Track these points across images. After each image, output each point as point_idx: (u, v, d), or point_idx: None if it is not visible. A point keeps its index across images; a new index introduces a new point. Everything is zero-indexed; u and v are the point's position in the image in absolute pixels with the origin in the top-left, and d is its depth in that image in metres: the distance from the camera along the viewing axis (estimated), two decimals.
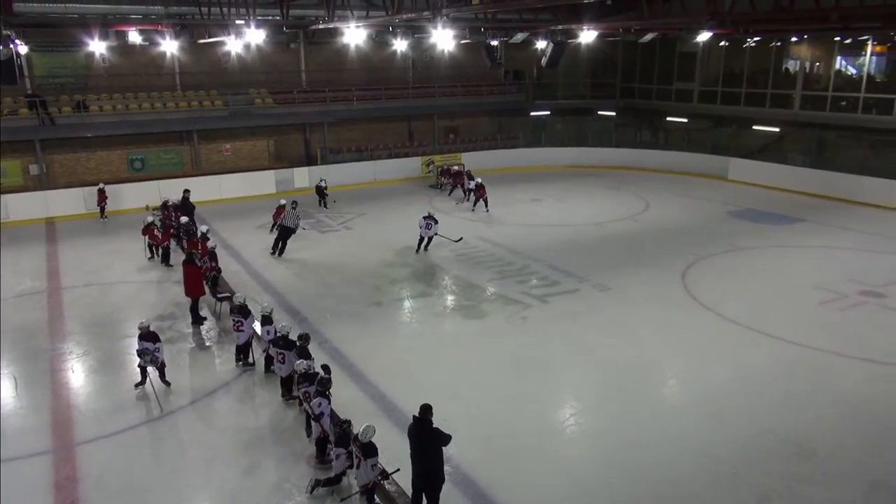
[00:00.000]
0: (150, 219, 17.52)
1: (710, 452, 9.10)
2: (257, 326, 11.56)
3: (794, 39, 25.43)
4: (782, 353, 12.05)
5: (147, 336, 10.72)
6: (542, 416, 10.21)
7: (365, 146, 28.55)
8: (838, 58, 25.23)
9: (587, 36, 22.24)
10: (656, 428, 9.74)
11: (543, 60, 22.37)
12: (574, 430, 9.90)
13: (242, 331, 11.41)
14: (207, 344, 12.81)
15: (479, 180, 22.90)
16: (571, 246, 18.69)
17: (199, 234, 15.90)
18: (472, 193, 23.13)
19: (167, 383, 10.92)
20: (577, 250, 18.25)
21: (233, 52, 23.38)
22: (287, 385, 10.43)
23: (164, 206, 19.08)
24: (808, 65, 26.02)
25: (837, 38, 24.30)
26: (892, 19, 19.30)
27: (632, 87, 32.06)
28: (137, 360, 10.77)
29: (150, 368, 10.78)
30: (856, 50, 24.58)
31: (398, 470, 7.84)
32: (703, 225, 20.87)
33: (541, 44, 23.33)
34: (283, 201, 19.37)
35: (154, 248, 17.66)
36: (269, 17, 22.16)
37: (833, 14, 15.51)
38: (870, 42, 23.63)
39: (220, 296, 13.89)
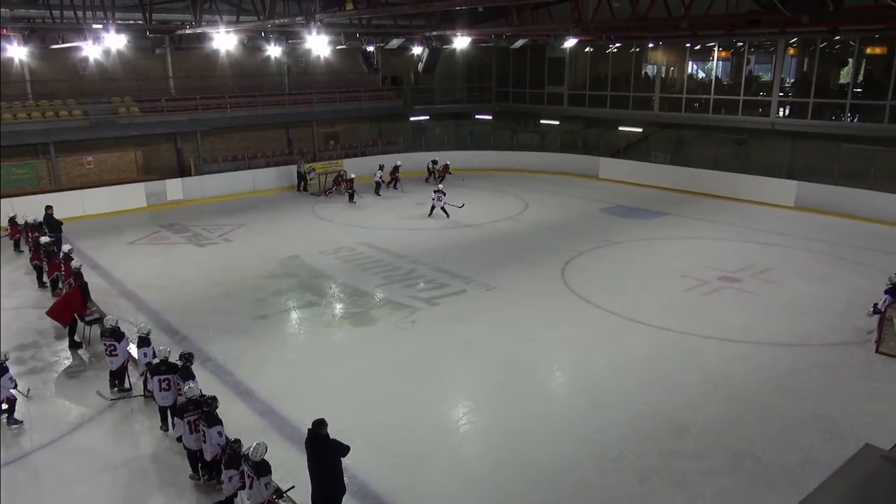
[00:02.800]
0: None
1: (594, 438, 9.59)
2: (133, 349, 10.89)
3: (650, 46, 27.28)
4: (654, 338, 12.90)
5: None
6: (436, 417, 10.34)
7: (242, 155, 27.62)
8: (690, 63, 27.37)
9: (461, 42, 22.81)
10: (542, 418, 10.14)
11: (420, 66, 22.65)
12: (467, 428, 10.11)
13: (116, 355, 10.69)
14: (77, 371, 11.91)
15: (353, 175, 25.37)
16: (456, 248, 19.03)
17: (61, 254, 14.77)
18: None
19: (16, 421, 10.02)
20: (461, 252, 18.62)
21: (91, 59, 21.89)
22: (164, 415, 9.77)
23: (12, 222, 17.66)
24: (664, 69, 28.00)
25: (688, 45, 26.34)
26: (734, 27, 21.23)
27: (506, 91, 33.11)
28: None
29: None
30: (704, 55, 26.76)
31: (293, 487, 7.67)
32: (578, 222, 21.91)
33: (417, 49, 23.62)
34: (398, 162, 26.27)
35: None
36: (131, 22, 20.95)
37: (683, 22, 16.79)
38: (716, 48, 25.80)
39: (88, 319, 12.93)
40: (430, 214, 22.38)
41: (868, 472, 4.93)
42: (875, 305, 12.26)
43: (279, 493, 7.54)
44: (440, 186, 22.97)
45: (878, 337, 12.11)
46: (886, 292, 12.22)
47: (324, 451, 7.44)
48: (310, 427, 7.54)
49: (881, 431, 8.97)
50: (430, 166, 28.57)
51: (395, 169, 27.11)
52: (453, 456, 9.36)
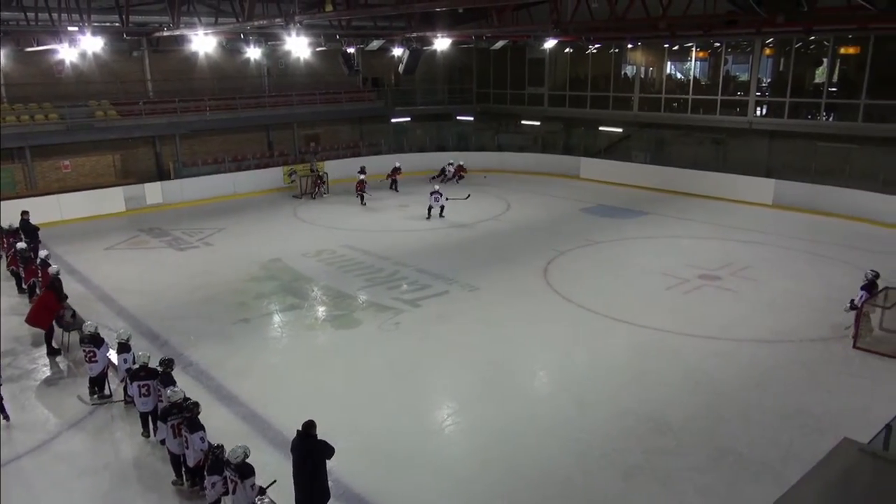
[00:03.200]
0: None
1: (577, 437, 9.63)
2: (113, 356, 10.75)
3: (629, 46, 27.49)
4: (636, 336, 12.99)
5: None
6: (421, 419, 10.33)
7: (222, 158, 27.41)
8: (668, 63, 27.62)
9: (441, 43, 22.83)
10: (526, 418, 10.17)
11: (400, 67, 22.67)
12: (452, 429, 10.11)
13: (96, 361, 10.54)
14: (55, 379, 11.74)
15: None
16: (439, 249, 19.03)
17: (38, 260, 14.55)
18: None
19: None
20: (444, 253, 18.62)
21: (67, 61, 21.62)
22: (145, 421, 9.69)
23: None
24: (643, 70, 28.23)
25: (666, 45, 26.58)
26: (711, 27, 21.45)
27: (487, 92, 33.19)
28: None
29: None
30: (682, 56, 27.03)
31: (275, 481, 7.62)
32: (560, 222, 22.01)
33: (397, 51, 23.63)
34: (397, 164, 26.33)
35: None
36: (108, 24, 20.72)
37: (661, 23, 16.92)
38: (694, 48, 26.06)
39: (65, 322, 12.72)
40: (428, 217, 22.25)
41: (847, 465, 5.02)
42: (852, 301, 12.47)
43: (262, 490, 7.50)
44: (437, 187, 22.82)
45: (855, 332, 12.31)
46: (863, 288, 12.43)
47: (312, 454, 7.40)
48: (299, 429, 7.50)
49: (859, 425, 9.09)
50: (447, 167, 28.49)
51: (395, 170, 26.98)
52: (438, 458, 9.35)
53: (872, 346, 12.13)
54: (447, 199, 22.28)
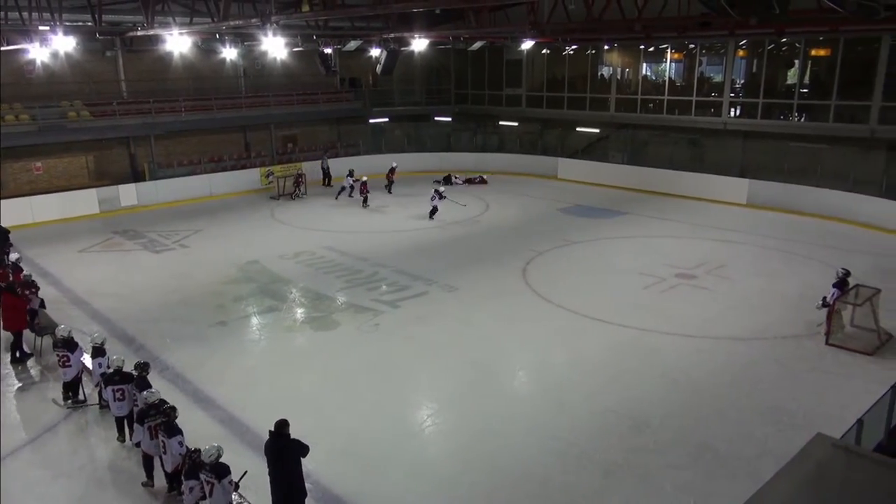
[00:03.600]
0: None
1: (557, 435, 9.68)
2: (87, 360, 10.60)
3: (605, 48, 27.70)
4: (614, 335, 13.10)
5: None
6: (401, 420, 10.31)
7: (198, 159, 27.12)
8: (644, 64, 27.89)
9: (419, 44, 22.80)
10: (506, 417, 10.20)
11: (378, 68, 22.62)
12: (432, 430, 10.10)
13: (70, 366, 10.40)
14: (28, 384, 11.52)
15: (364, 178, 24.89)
16: (418, 250, 19.02)
17: (9, 262, 14.29)
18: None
19: None
20: (423, 254, 18.61)
21: (38, 61, 21.23)
22: (120, 425, 9.58)
23: None
24: (619, 71, 28.47)
25: (642, 47, 26.84)
26: (685, 29, 21.70)
27: (465, 93, 33.25)
28: None
29: None
30: (658, 57, 27.31)
31: (246, 472, 7.59)
32: (538, 222, 22.10)
33: (375, 51, 23.55)
34: (394, 164, 26.54)
35: None
36: (80, 23, 20.38)
37: (637, 24, 17.08)
38: (669, 50, 26.35)
39: (39, 328, 12.52)
40: (430, 217, 22.24)
41: (820, 459, 5.11)
42: (824, 299, 12.70)
43: (236, 486, 7.45)
44: (442, 189, 22.74)
45: (827, 329, 12.53)
46: (834, 286, 12.67)
47: (285, 451, 7.37)
48: (271, 429, 7.46)
49: (832, 420, 9.26)
50: (454, 179, 28.12)
51: (392, 171, 26.86)
52: (418, 458, 9.34)
53: (844, 342, 12.36)
54: (445, 197, 22.29)
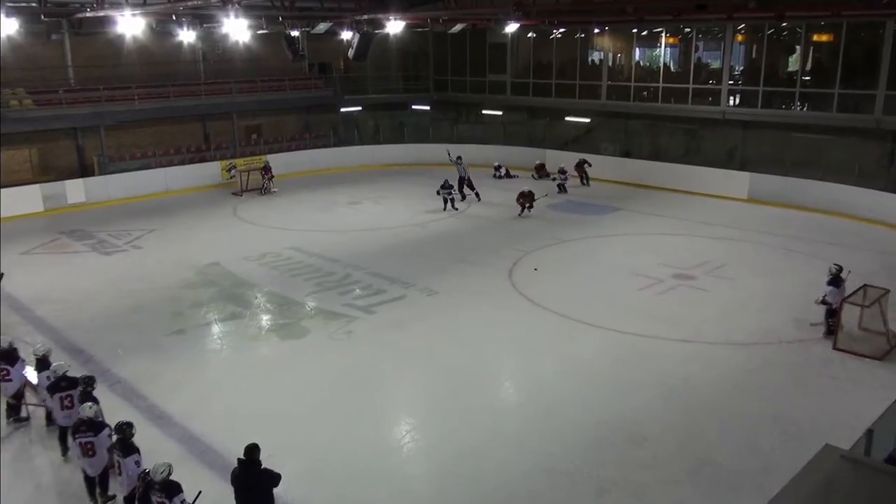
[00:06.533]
0: None
1: (546, 450, 9.67)
2: (30, 373, 10.41)
3: (596, 31, 27.82)
4: (607, 341, 13.13)
5: None
6: (376, 435, 10.24)
7: (153, 152, 26.82)
8: (637, 49, 28.05)
9: (395, 26, 22.72)
10: (491, 431, 10.17)
11: (350, 52, 22.53)
12: (410, 446, 10.05)
13: (10, 380, 10.20)
14: None
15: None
16: (395, 250, 18.95)
17: None
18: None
19: None
20: (400, 254, 18.55)
21: None
22: (64, 438, 9.42)
23: None
24: (611, 56, 28.62)
25: (635, 31, 26.99)
26: (681, 12, 21.88)
27: (445, 79, 33.18)
28: None
29: None
30: (652, 42, 27.48)
31: (200, 492, 7.47)
32: (525, 219, 22.13)
33: (346, 34, 23.44)
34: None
35: None
36: (23, 4, 20.06)
37: (629, 6, 17.22)
38: (663, 34, 26.53)
39: None
40: (444, 208, 22.94)
41: (828, 472, 5.12)
42: (824, 296, 12.87)
43: None
44: (446, 180, 23.04)
45: (826, 330, 12.80)
46: (829, 284, 12.86)
47: (255, 482, 7.29)
48: (240, 457, 7.37)
49: (840, 430, 9.33)
50: (495, 172, 28.24)
51: (583, 163, 26.65)
52: (396, 477, 9.28)
53: (852, 346, 12.50)
54: (457, 191, 23.13)
